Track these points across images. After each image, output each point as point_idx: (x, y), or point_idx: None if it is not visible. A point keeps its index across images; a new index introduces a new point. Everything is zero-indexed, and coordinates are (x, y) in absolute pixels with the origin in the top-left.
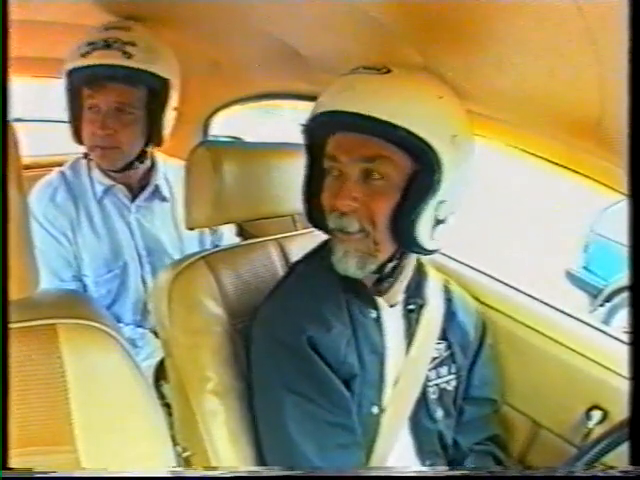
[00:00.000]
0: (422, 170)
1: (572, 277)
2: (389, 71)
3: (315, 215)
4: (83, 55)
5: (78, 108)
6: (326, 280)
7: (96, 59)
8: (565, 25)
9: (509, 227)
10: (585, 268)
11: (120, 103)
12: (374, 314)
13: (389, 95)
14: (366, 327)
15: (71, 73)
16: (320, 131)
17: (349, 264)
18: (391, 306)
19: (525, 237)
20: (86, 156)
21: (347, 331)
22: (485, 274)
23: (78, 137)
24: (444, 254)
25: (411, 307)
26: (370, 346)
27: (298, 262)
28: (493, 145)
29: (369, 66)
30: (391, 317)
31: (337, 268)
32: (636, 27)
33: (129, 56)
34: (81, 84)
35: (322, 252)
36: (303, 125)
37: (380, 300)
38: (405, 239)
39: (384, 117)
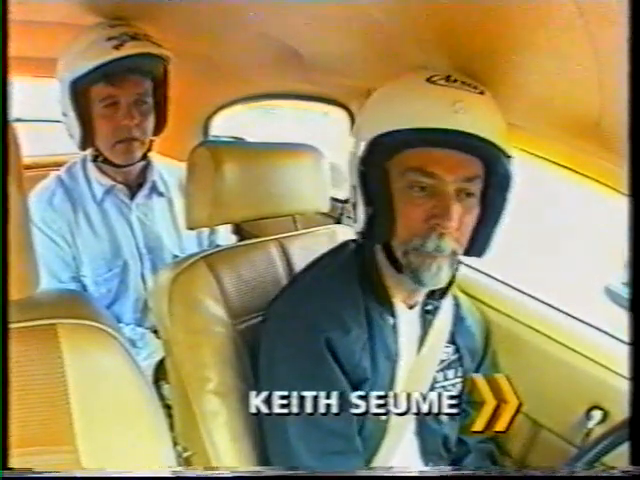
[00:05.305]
0: (495, 187)
1: (611, 293)
2: (483, 92)
3: (380, 230)
4: (116, 47)
5: (87, 110)
6: (346, 283)
7: (130, 49)
8: (566, 25)
9: (545, 240)
10: (625, 284)
11: (139, 94)
12: (391, 321)
13: (494, 118)
14: (383, 333)
15: (91, 72)
16: (397, 144)
17: (442, 278)
18: (410, 307)
19: (563, 251)
20: (84, 159)
21: (364, 335)
22: (483, 273)
23: (90, 140)
24: None
25: (429, 307)
26: (385, 352)
27: (321, 258)
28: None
29: (467, 82)
30: (408, 321)
31: (426, 282)
32: (636, 27)
33: (159, 45)
34: (96, 81)
35: (344, 252)
36: (382, 135)
37: (399, 305)
38: (481, 250)
39: (496, 140)
